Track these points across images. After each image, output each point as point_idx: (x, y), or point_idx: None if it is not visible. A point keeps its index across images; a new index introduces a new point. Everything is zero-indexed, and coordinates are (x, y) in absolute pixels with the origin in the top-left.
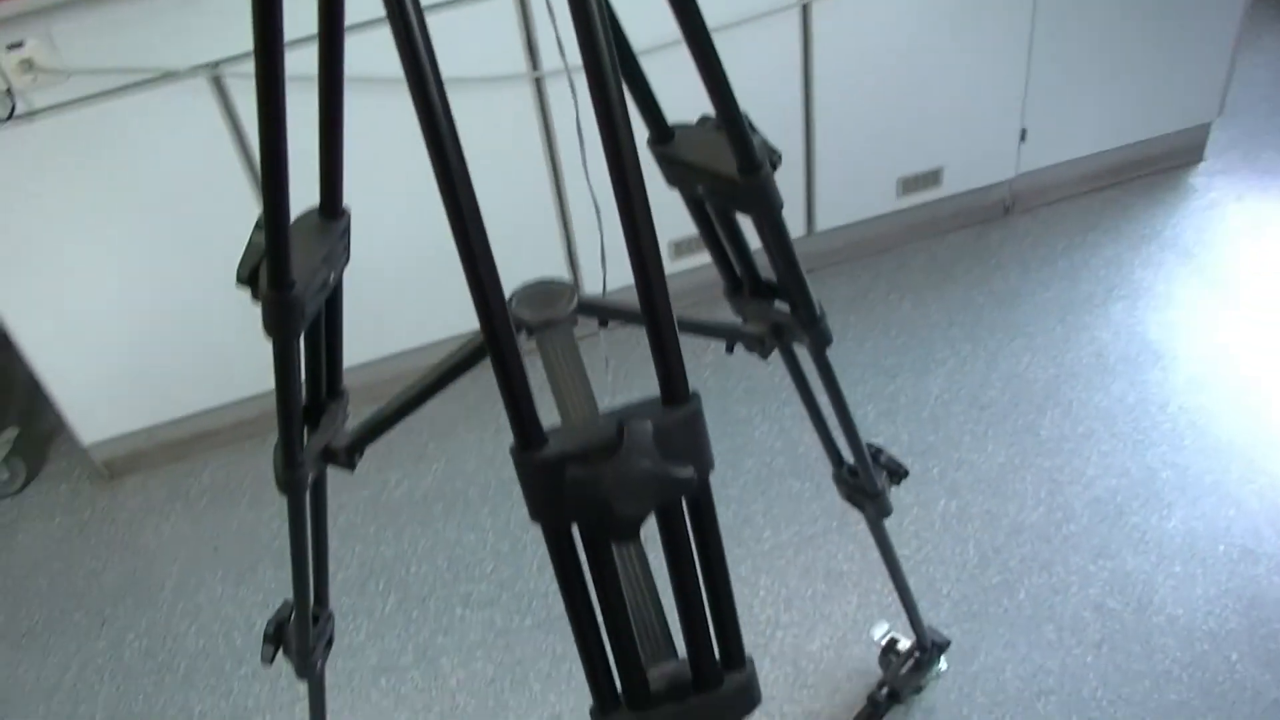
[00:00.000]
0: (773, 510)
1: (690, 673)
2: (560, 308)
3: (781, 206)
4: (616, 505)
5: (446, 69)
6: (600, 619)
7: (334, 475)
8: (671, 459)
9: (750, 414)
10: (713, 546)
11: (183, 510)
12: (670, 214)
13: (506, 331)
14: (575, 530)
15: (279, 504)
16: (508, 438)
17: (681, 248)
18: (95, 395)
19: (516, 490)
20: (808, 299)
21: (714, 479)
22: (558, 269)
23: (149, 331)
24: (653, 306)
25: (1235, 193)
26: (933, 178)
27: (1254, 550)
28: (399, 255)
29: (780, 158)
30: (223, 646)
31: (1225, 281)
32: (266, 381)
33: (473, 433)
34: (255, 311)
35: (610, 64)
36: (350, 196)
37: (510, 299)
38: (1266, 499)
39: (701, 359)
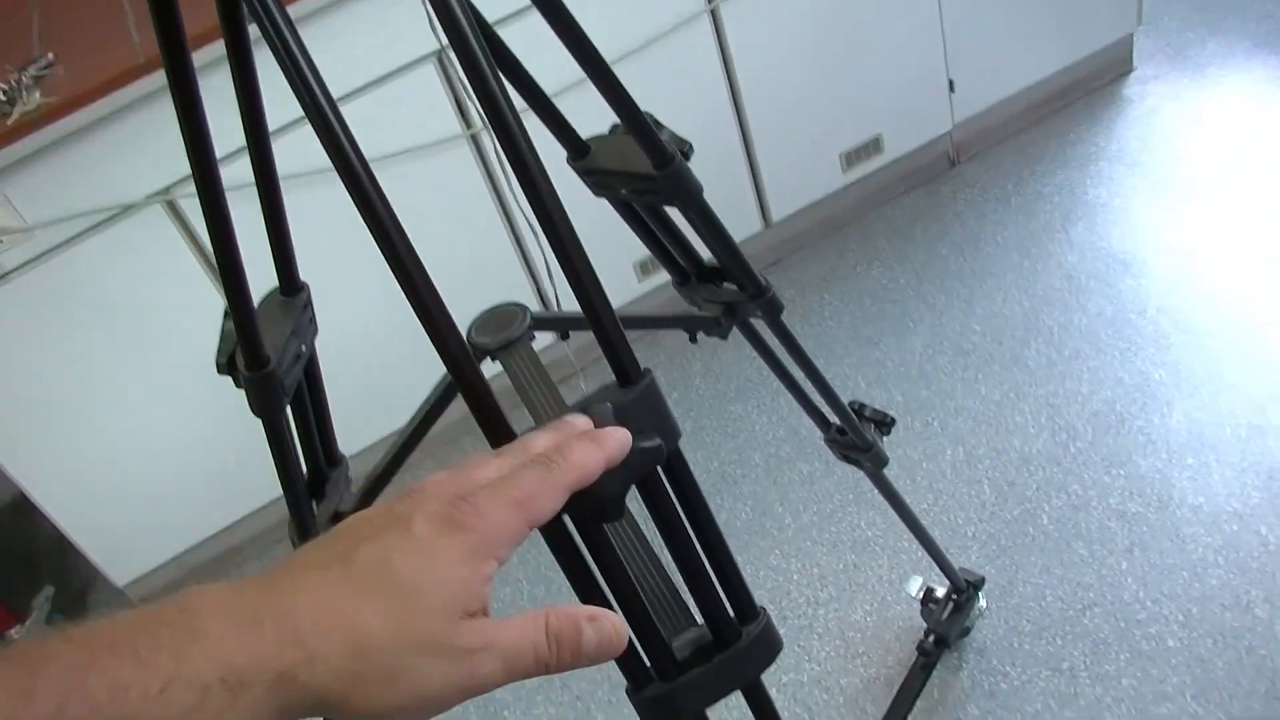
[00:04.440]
0: (789, 497)
1: (710, 635)
2: (515, 328)
3: (701, 191)
4: (596, 486)
5: (389, 143)
6: (614, 602)
7: None
8: (636, 434)
9: (747, 410)
10: (698, 507)
11: None
12: (629, 237)
13: (467, 360)
14: (569, 524)
15: None
16: None
17: (646, 267)
18: (121, 536)
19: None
20: (749, 273)
21: (725, 478)
22: (525, 293)
23: (159, 462)
24: (590, 303)
25: (1171, 93)
26: (874, 146)
27: (1260, 425)
28: (375, 338)
29: (691, 147)
30: None
31: (1175, 180)
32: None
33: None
34: (255, 418)
35: (506, 108)
36: (321, 294)
37: (468, 332)
38: (1261, 375)
39: (690, 368)
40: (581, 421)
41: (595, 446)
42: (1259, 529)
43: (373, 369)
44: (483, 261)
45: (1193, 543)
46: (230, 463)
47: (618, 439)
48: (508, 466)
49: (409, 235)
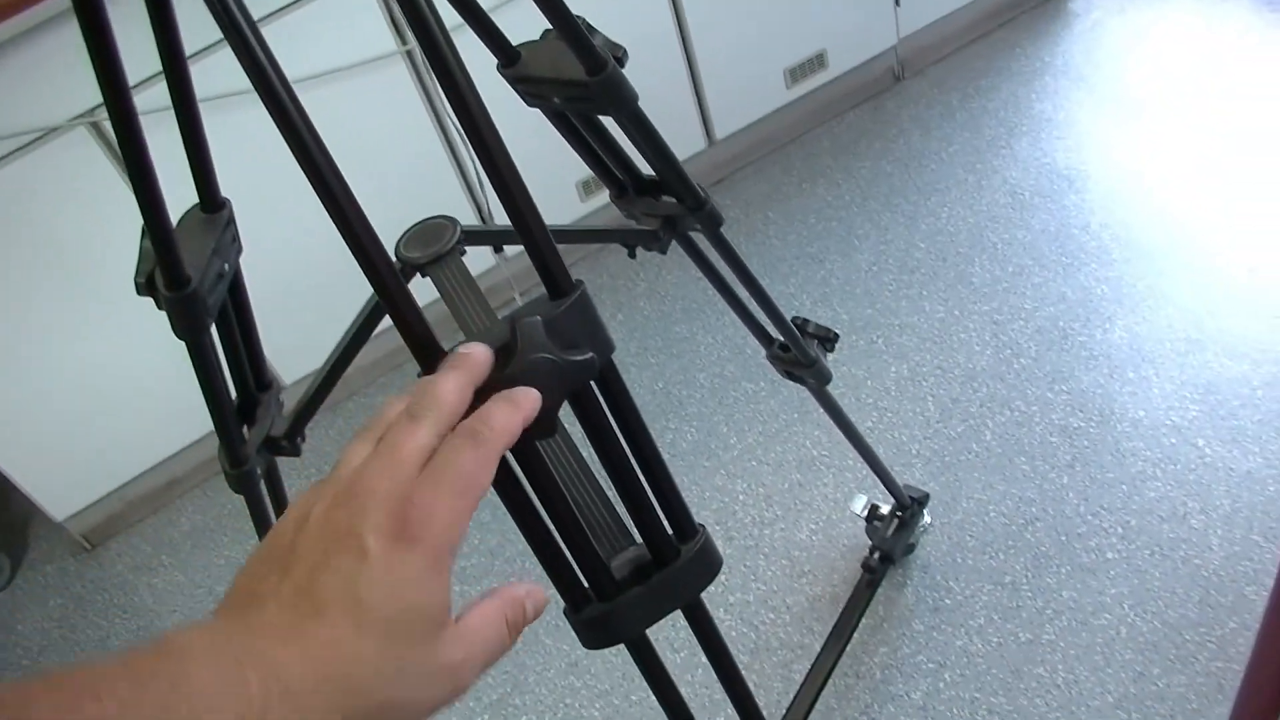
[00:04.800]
0: (734, 417)
1: (649, 554)
2: (444, 242)
3: (635, 99)
4: None
5: (322, 62)
6: (549, 523)
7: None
8: (568, 347)
9: (692, 331)
10: (633, 421)
11: (170, 560)
12: (571, 156)
13: (391, 274)
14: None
15: None
16: None
17: (589, 187)
18: (59, 471)
19: None
20: (688, 185)
21: (670, 399)
22: (465, 212)
23: (95, 393)
24: (518, 212)
25: (1117, 7)
26: (818, 62)
27: (1199, 339)
28: (314, 262)
29: (625, 52)
30: None
31: (1121, 95)
32: None
33: None
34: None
35: (427, 9)
36: (256, 217)
37: (396, 247)
38: (1200, 289)
39: (634, 289)
40: (479, 351)
41: (513, 408)
42: (1196, 442)
43: (313, 294)
44: (421, 180)
45: (1132, 456)
46: (169, 392)
47: (531, 398)
48: (431, 432)
49: (345, 153)
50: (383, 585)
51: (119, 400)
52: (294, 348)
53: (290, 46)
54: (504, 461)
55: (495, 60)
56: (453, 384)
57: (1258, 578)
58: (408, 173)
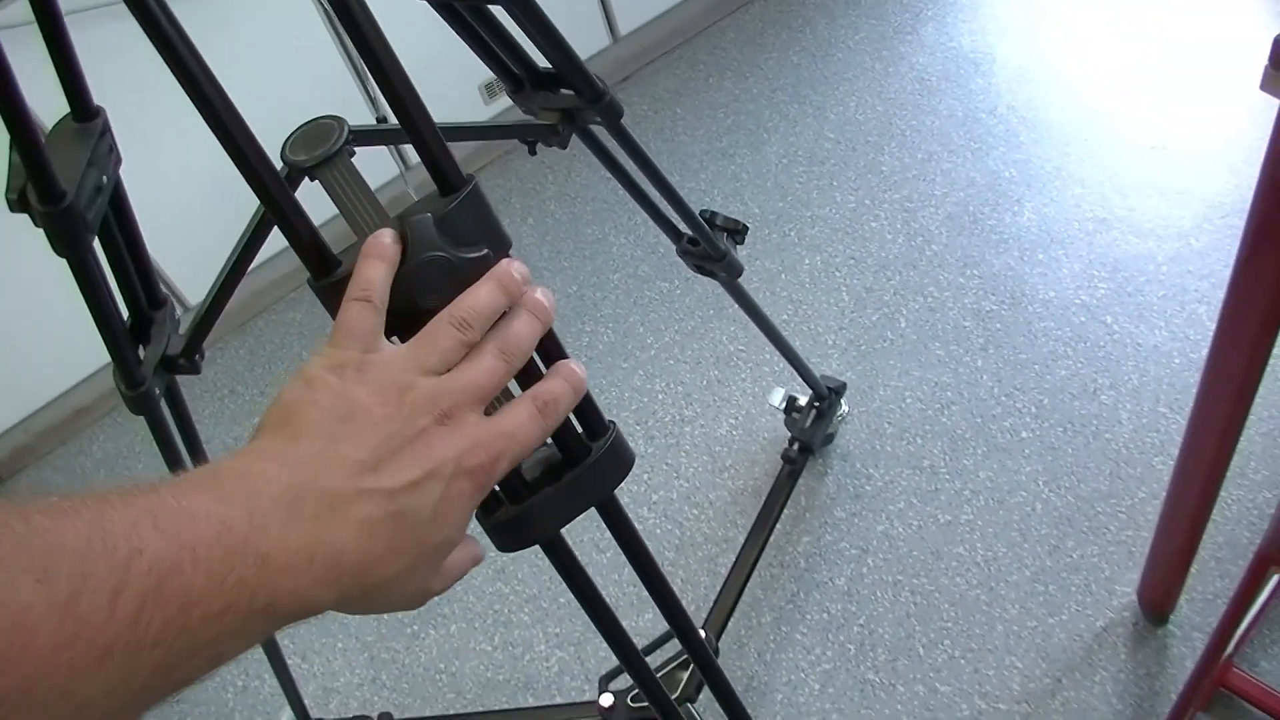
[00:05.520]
0: (649, 317)
1: (559, 453)
2: (332, 142)
3: None
4: (419, 300)
5: None
6: None
7: (228, 426)
8: (461, 244)
9: (603, 232)
10: None
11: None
12: (474, 59)
13: (273, 178)
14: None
15: None
16: None
17: (493, 89)
18: None
19: None
20: (585, 76)
21: (585, 301)
22: (362, 113)
23: None
24: (402, 105)
25: None
26: None
27: (1105, 218)
28: (217, 177)
29: None
30: None
31: None
32: None
33: None
34: None
35: None
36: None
37: (281, 150)
38: (1106, 168)
39: (544, 193)
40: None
41: (530, 319)
42: (1105, 319)
43: (217, 211)
44: (319, 87)
45: (1044, 336)
46: (67, 317)
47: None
48: (504, 367)
49: (240, 63)
50: (445, 520)
51: (14, 329)
52: (201, 268)
53: None
54: None
55: None
56: (487, 296)
57: (1164, 448)
58: (306, 80)
